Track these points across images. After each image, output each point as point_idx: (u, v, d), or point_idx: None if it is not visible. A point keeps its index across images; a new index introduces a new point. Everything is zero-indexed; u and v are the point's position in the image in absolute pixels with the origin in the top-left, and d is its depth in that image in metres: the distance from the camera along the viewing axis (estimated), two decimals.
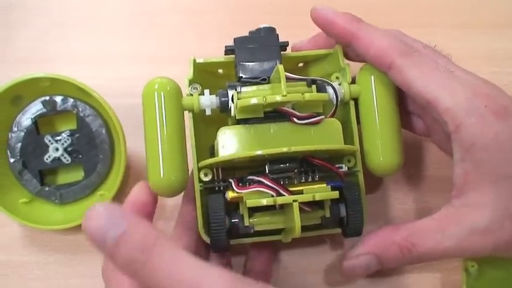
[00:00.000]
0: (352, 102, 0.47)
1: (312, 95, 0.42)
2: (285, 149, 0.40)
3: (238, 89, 0.44)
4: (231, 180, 0.43)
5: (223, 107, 0.44)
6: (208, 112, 0.45)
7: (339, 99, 0.45)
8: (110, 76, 0.57)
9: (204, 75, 0.48)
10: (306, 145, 0.42)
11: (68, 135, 0.52)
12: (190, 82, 0.46)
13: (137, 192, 0.42)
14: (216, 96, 0.45)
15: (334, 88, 0.45)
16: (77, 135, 0.52)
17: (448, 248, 0.40)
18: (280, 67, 0.42)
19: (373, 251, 0.43)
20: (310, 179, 0.44)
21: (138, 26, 0.59)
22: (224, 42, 0.54)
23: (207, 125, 0.47)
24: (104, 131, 0.51)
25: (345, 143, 0.45)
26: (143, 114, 0.44)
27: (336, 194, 0.42)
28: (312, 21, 0.48)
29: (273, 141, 0.43)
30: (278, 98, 0.40)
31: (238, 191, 0.43)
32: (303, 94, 0.41)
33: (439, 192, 0.55)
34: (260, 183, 0.42)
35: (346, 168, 0.46)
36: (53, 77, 0.49)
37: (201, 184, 0.44)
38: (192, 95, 0.45)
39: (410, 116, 0.50)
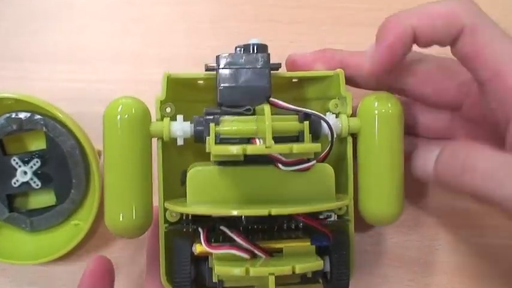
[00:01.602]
0: (350, 140, 0.40)
1: (300, 147, 0.35)
2: (265, 212, 0.34)
3: (217, 120, 0.38)
4: (200, 229, 0.37)
5: (198, 138, 0.38)
6: (180, 142, 0.39)
7: (334, 138, 0.39)
8: (90, 78, 0.50)
9: (181, 89, 0.41)
10: (292, 198, 0.38)
11: (37, 157, 0.46)
12: (162, 103, 0.39)
13: (92, 271, 0.38)
14: (191, 123, 0.39)
15: (329, 126, 0.39)
16: (47, 156, 0.46)
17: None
18: (267, 109, 0.35)
19: None
20: (292, 235, 0.39)
21: (121, 19, 0.51)
22: (218, 40, 0.49)
23: (181, 148, 0.41)
24: (77, 153, 0.45)
25: (339, 183, 0.40)
26: (103, 140, 0.38)
27: (319, 265, 0.36)
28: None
29: (252, 190, 0.38)
30: (260, 150, 0.34)
31: (207, 249, 0.37)
32: (291, 146, 0.34)
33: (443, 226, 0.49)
34: (232, 243, 0.36)
35: (336, 217, 0.40)
36: (15, 98, 0.43)
37: (166, 225, 0.39)
38: (162, 119, 0.39)
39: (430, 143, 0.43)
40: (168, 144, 0.40)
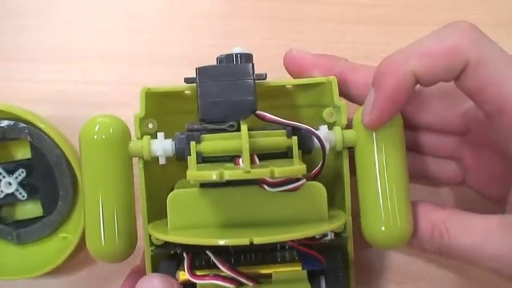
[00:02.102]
0: (345, 153, 0.38)
1: (283, 170, 0.32)
2: (246, 241, 0.31)
3: (198, 137, 0.35)
4: (184, 255, 0.35)
5: (180, 156, 0.36)
6: (162, 161, 0.36)
7: (327, 154, 0.36)
8: (77, 79, 0.47)
9: (165, 100, 0.39)
10: (281, 219, 0.35)
11: (22, 167, 0.44)
12: (142, 120, 0.37)
13: None
14: (173, 140, 0.36)
15: (321, 141, 0.36)
16: (33, 166, 0.44)
17: (486, 253, 0.34)
18: (244, 130, 0.33)
19: None
20: (284, 257, 0.37)
21: (111, 16, 0.48)
22: (215, 38, 0.46)
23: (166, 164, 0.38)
24: (63, 163, 0.43)
25: (337, 198, 0.38)
26: (81, 161, 0.36)
27: None
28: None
29: (238, 213, 0.35)
30: (238, 176, 0.31)
31: (191, 279, 0.35)
32: (272, 170, 0.31)
33: None
34: (217, 272, 0.34)
35: (332, 235, 0.37)
36: None
37: (152, 248, 0.37)
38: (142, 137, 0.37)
39: (436, 161, 0.40)
40: (151, 162, 0.37)
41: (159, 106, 0.38)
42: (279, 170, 0.31)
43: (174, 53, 0.47)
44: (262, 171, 0.32)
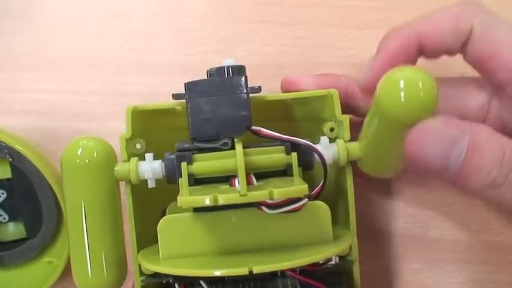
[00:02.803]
0: (349, 169, 0.35)
1: (283, 192, 0.29)
2: (245, 271, 0.29)
3: (189, 157, 0.33)
4: (176, 286, 0.33)
5: (171, 179, 0.34)
6: (151, 185, 0.34)
7: (328, 171, 0.34)
8: (61, 88, 0.44)
9: (155, 117, 0.36)
10: (282, 244, 0.33)
11: (2, 188, 0.41)
12: (128, 141, 0.35)
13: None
14: (162, 161, 0.34)
15: (322, 158, 0.34)
16: (14, 186, 0.41)
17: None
18: (238, 148, 0.31)
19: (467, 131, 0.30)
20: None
21: (97, 19, 0.45)
22: (208, 44, 0.43)
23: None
24: (46, 184, 0.39)
25: (338, 217, 0.37)
26: (63, 188, 0.34)
27: None
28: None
29: (234, 239, 0.33)
30: (234, 200, 0.29)
31: None
32: (270, 191, 0.29)
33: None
34: None
35: (337, 259, 0.35)
36: None
37: (142, 278, 0.34)
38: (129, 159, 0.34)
39: None
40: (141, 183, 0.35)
41: (147, 124, 0.36)
42: (278, 191, 0.29)
43: (164, 60, 0.44)
44: (260, 194, 0.29)
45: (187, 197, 0.30)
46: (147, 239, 0.35)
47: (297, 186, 0.30)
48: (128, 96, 0.43)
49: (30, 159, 0.38)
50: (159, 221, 0.35)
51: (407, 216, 0.42)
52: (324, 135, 0.36)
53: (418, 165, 0.29)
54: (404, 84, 0.28)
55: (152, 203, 0.36)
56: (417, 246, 0.42)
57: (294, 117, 0.39)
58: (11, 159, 0.39)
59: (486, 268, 0.42)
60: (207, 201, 0.28)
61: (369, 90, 0.32)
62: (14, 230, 0.42)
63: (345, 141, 0.35)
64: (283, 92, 0.38)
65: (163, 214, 0.35)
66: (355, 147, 0.34)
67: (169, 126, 0.37)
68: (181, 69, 0.43)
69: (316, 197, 0.34)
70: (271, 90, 0.42)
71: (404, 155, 0.30)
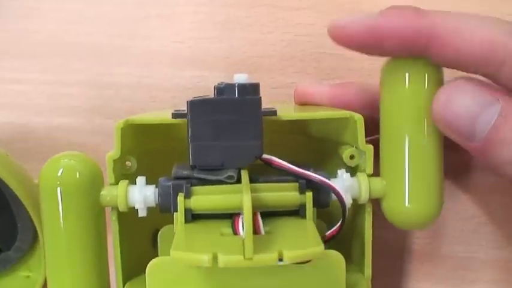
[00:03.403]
0: (369, 208, 0.31)
1: (294, 255, 0.25)
2: None
3: (187, 190, 0.28)
4: None
5: (165, 210, 0.29)
6: (142, 214, 0.30)
7: (346, 213, 0.29)
8: (39, 78, 0.40)
9: (148, 130, 0.32)
10: None
11: None
12: (116, 162, 0.30)
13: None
14: (156, 187, 0.29)
15: (341, 199, 0.29)
16: None
17: None
18: (246, 198, 0.26)
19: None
20: None
21: (76, 1, 0.40)
22: (201, 30, 0.41)
23: None
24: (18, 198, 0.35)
25: (351, 255, 0.33)
26: (40, 211, 0.30)
27: None
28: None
29: None
30: (237, 263, 0.24)
31: None
32: (280, 252, 0.24)
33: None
34: None
35: None
36: None
37: None
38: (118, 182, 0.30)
39: None
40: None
41: (140, 138, 0.31)
42: (289, 255, 0.24)
43: (152, 48, 0.39)
44: (267, 258, 0.25)
45: (182, 252, 0.26)
46: (136, 264, 0.31)
47: (310, 249, 0.26)
48: (112, 89, 0.39)
49: None
50: (149, 245, 0.32)
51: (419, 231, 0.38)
52: (342, 161, 0.32)
53: (445, 126, 0.28)
54: None
55: (142, 223, 0.31)
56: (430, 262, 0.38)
57: (310, 132, 0.35)
58: None
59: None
60: (206, 262, 0.24)
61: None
62: None
63: (368, 175, 0.30)
64: (296, 103, 0.34)
65: (155, 237, 0.32)
66: (379, 183, 0.30)
67: (167, 139, 0.32)
68: (171, 59, 0.39)
69: (329, 240, 0.30)
70: (271, 85, 0.38)
71: (433, 116, 0.28)
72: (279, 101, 0.38)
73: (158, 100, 0.39)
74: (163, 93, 0.39)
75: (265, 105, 0.29)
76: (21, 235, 0.37)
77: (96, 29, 0.40)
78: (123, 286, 0.31)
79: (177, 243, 0.26)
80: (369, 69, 0.37)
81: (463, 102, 0.27)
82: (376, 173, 0.30)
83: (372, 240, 0.31)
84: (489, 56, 0.27)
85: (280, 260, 0.25)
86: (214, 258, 0.24)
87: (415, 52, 0.28)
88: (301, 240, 0.27)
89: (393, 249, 0.38)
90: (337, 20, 0.29)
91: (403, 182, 0.29)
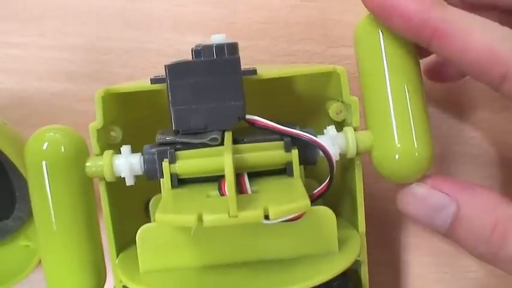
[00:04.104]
0: (358, 162, 0.30)
1: (279, 211, 0.24)
2: None
3: (172, 155, 0.28)
4: None
5: (151, 177, 0.29)
6: (129, 182, 0.29)
7: (334, 169, 0.29)
8: (36, 42, 0.39)
9: (131, 99, 0.31)
10: (279, 255, 0.29)
11: None
12: (100, 132, 0.29)
13: None
14: (142, 155, 0.29)
15: (328, 155, 0.28)
16: None
17: None
18: (227, 158, 0.26)
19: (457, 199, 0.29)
20: None
21: None
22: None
23: None
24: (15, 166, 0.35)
25: (342, 211, 0.33)
26: (28, 185, 0.29)
27: None
28: None
29: (225, 250, 0.29)
30: (222, 221, 0.24)
31: None
32: (266, 209, 0.24)
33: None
34: None
35: None
36: None
37: (123, 284, 0.31)
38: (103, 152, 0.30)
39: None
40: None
41: (123, 107, 0.31)
42: (275, 211, 0.24)
43: (153, 12, 0.38)
44: (252, 215, 0.24)
45: (167, 215, 0.25)
46: (130, 233, 0.30)
47: (296, 204, 0.25)
48: (111, 53, 0.38)
49: None
50: (142, 215, 0.32)
51: None
52: (328, 117, 0.31)
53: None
54: None
55: (134, 192, 0.31)
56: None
57: (294, 91, 0.34)
58: None
59: None
60: (191, 222, 0.24)
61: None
62: None
63: (354, 129, 0.30)
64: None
65: (147, 207, 0.32)
66: (366, 136, 0.29)
67: (150, 107, 0.32)
68: (173, 24, 0.38)
69: (319, 197, 0.30)
70: (277, 53, 0.37)
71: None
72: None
73: (160, 66, 0.38)
74: (165, 59, 0.37)
75: None
76: (20, 204, 0.37)
77: None
78: (117, 257, 0.31)
79: (162, 207, 0.26)
80: None
81: (420, 208, 0.29)
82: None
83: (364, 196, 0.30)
84: (491, 67, 0.26)
85: (266, 217, 0.25)
86: (199, 218, 0.24)
87: (420, 40, 0.27)
88: (287, 196, 0.27)
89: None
90: None
91: (391, 132, 0.29)
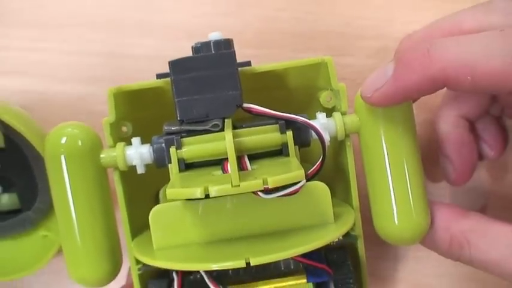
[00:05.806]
0: (348, 142, 0.33)
1: (278, 180, 0.27)
2: (242, 263, 0.28)
3: (178, 142, 0.31)
4: (174, 275, 0.32)
5: (160, 164, 0.32)
6: (140, 170, 0.32)
7: (326, 148, 0.31)
8: (59, 48, 0.42)
9: (140, 97, 0.34)
10: (280, 228, 0.32)
11: None
12: (113, 126, 0.32)
13: None
14: (151, 145, 0.32)
15: (319, 135, 0.31)
16: (7, 157, 0.39)
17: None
18: (228, 135, 0.29)
19: None
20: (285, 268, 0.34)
21: None
22: (218, 6, 0.42)
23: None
24: (40, 157, 0.37)
25: (337, 191, 0.36)
26: (48, 178, 0.32)
27: None
28: None
29: (230, 225, 0.32)
30: (226, 191, 0.27)
31: None
32: (265, 180, 0.27)
33: None
34: None
35: (340, 237, 0.32)
36: None
37: (139, 266, 0.33)
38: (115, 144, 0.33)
39: None
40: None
41: (133, 104, 0.34)
42: (273, 180, 0.27)
43: (169, 21, 0.41)
44: (253, 184, 0.27)
45: (176, 189, 0.28)
46: (143, 221, 0.33)
47: (292, 173, 0.28)
48: (130, 59, 0.41)
49: (23, 134, 0.36)
50: (153, 204, 0.34)
51: None
52: (320, 105, 0.35)
53: None
54: None
55: (145, 184, 0.34)
56: None
57: (288, 85, 0.36)
58: (3, 130, 0.37)
59: None
60: (198, 194, 0.27)
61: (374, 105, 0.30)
62: (8, 200, 0.41)
63: (343, 112, 0.33)
64: None
65: (157, 197, 0.34)
66: (353, 119, 0.32)
67: (157, 105, 0.34)
68: (187, 32, 0.41)
69: (314, 176, 0.32)
70: (283, 61, 0.40)
71: None
72: None
73: None
74: None
75: None
76: (41, 196, 0.39)
77: (114, 1, 0.41)
78: (132, 240, 0.33)
79: (171, 184, 0.29)
80: (376, 47, 0.39)
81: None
82: None
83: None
84: (503, 85, 0.27)
85: (266, 193, 0.28)
86: (205, 190, 0.27)
87: (436, 90, 0.29)
88: (284, 169, 0.29)
89: None
90: (362, 89, 0.30)
91: (390, 202, 0.31)
